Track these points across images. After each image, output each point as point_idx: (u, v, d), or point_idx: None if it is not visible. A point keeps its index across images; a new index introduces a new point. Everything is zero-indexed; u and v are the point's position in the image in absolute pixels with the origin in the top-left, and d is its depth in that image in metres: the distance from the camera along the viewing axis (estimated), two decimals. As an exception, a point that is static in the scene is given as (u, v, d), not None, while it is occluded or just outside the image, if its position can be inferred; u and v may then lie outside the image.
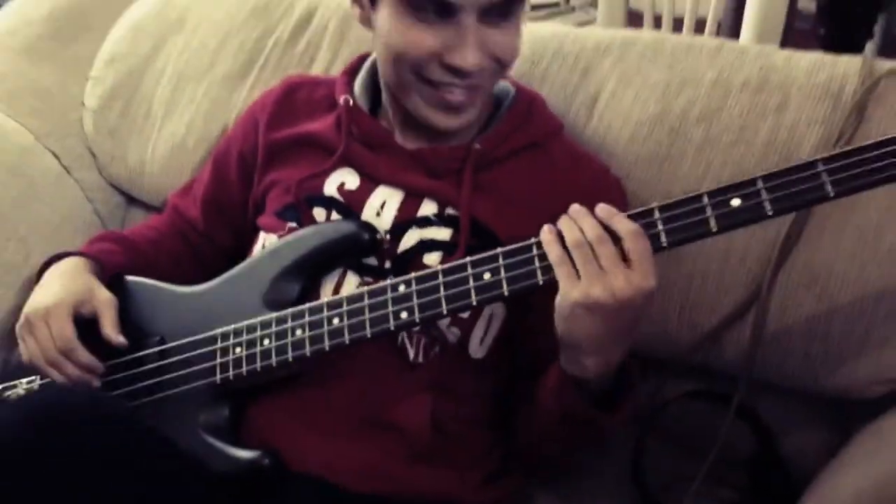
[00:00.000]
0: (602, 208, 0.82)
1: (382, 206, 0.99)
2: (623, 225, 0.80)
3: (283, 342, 0.93)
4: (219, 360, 0.96)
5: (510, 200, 0.99)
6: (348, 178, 1.02)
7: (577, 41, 1.20)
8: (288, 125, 1.09)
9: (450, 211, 0.98)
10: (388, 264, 0.98)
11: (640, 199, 1.04)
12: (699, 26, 1.94)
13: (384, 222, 0.99)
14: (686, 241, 0.81)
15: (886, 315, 0.98)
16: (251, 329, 0.95)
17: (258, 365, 0.94)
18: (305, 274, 0.98)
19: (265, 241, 1.05)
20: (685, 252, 0.98)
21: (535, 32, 1.22)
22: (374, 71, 1.05)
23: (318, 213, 1.02)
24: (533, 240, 0.84)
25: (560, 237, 0.82)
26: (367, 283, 0.96)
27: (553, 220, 0.87)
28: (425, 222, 0.98)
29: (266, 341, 0.94)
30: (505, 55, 0.93)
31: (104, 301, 1.01)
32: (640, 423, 1.08)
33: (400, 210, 0.99)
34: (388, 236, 0.98)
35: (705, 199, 0.80)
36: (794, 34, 2.98)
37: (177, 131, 1.37)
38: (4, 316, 1.20)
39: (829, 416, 1.06)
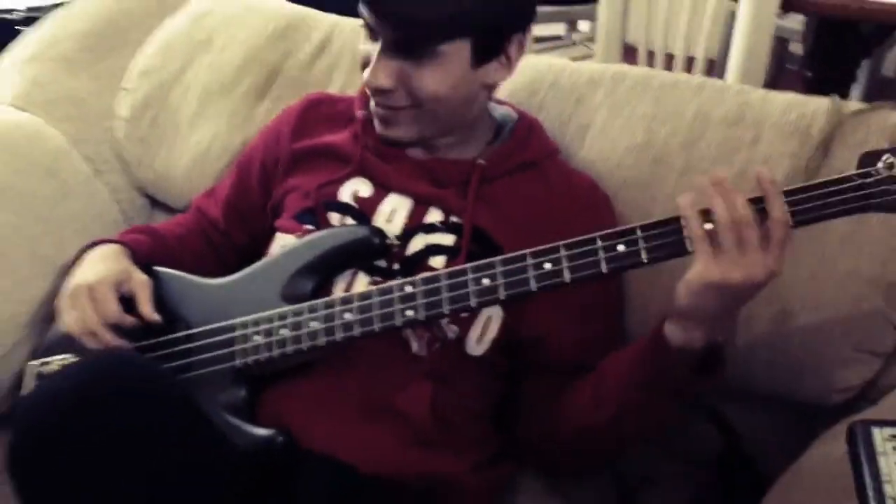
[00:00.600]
0: (770, 181, 0.81)
1: (393, 212, 1.07)
2: (778, 209, 0.80)
3: (298, 332, 0.98)
4: (239, 347, 1.01)
5: (509, 212, 1.06)
6: (362, 186, 1.10)
7: (572, 74, 1.27)
8: (309, 136, 1.17)
9: (454, 219, 1.05)
10: (396, 266, 1.05)
11: (625, 220, 1.11)
12: (690, 63, 2.04)
13: (394, 228, 1.06)
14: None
15: (841, 333, 1.04)
16: (270, 319, 1.00)
17: (275, 352, 0.99)
18: (320, 272, 1.05)
19: (283, 241, 1.11)
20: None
21: (534, 65, 1.29)
22: None
23: (334, 217, 1.09)
24: (528, 251, 0.90)
25: (702, 210, 0.82)
26: (377, 283, 1.02)
27: (546, 231, 0.93)
28: (431, 228, 1.05)
29: (283, 331, 0.99)
30: (418, 91, 1.00)
31: (141, 282, 1.07)
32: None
33: (409, 217, 1.06)
34: (397, 241, 1.05)
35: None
36: (785, 74, 3.11)
37: (201, 141, 1.43)
38: (39, 303, 1.25)
39: (792, 420, 1.11)
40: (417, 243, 1.06)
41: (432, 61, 0.99)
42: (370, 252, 1.05)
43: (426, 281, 0.94)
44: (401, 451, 1.00)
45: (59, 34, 1.54)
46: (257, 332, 1.01)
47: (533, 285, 0.90)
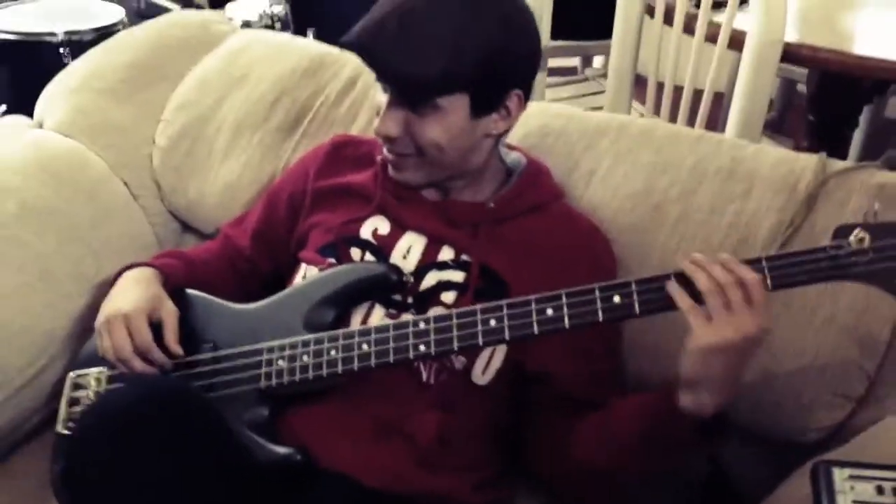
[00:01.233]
0: (726, 258, 0.88)
1: (409, 249, 1.14)
2: (748, 273, 0.87)
3: (319, 360, 1.04)
4: (263, 370, 1.07)
5: (515, 251, 1.13)
6: (381, 224, 1.17)
7: (581, 121, 1.34)
8: (333, 175, 1.24)
9: (464, 257, 1.13)
10: (410, 300, 1.12)
11: (623, 264, 1.19)
12: (698, 96, 2.06)
13: (409, 264, 1.13)
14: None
15: (819, 377, 1.11)
16: (293, 346, 1.06)
17: (297, 377, 1.05)
18: (340, 304, 1.12)
19: (306, 272, 1.18)
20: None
21: (546, 111, 1.37)
22: None
23: (355, 252, 1.15)
24: (532, 297, 0.96)
25: (687, 286, 0.88)
26: (392, 315, 1.10)
27: (550, 269, 1.00)
28: (443, 266, 1.12)
29: (305, 357, 1.05)
30: (420, 140, 1.07)
31: (169, 312, 1.15)
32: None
33: (423, 254, 1.13)
34: (411, 277, 1.13)
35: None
36: (794, 110, 3.17)
37: (232, 171, 1.50)
38: (78, 317, 1.33)
39: (770, 455, 1.17)
40: (430, 280, 1.13)
41: (433, 113, 1.05)
42: (387, 287, 1.12)
43: (438, 319, 1.00)
44: (409, 470, 1.06)
45: (105, 66, 1.61)
46: (282, 357, 1.07)
47: (535, 329, 0.96)
